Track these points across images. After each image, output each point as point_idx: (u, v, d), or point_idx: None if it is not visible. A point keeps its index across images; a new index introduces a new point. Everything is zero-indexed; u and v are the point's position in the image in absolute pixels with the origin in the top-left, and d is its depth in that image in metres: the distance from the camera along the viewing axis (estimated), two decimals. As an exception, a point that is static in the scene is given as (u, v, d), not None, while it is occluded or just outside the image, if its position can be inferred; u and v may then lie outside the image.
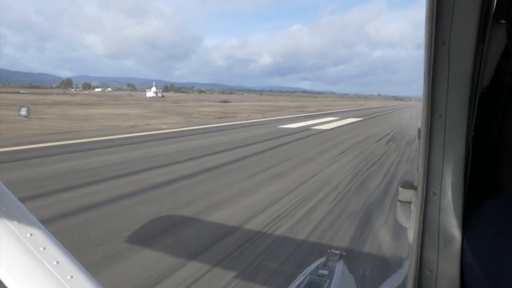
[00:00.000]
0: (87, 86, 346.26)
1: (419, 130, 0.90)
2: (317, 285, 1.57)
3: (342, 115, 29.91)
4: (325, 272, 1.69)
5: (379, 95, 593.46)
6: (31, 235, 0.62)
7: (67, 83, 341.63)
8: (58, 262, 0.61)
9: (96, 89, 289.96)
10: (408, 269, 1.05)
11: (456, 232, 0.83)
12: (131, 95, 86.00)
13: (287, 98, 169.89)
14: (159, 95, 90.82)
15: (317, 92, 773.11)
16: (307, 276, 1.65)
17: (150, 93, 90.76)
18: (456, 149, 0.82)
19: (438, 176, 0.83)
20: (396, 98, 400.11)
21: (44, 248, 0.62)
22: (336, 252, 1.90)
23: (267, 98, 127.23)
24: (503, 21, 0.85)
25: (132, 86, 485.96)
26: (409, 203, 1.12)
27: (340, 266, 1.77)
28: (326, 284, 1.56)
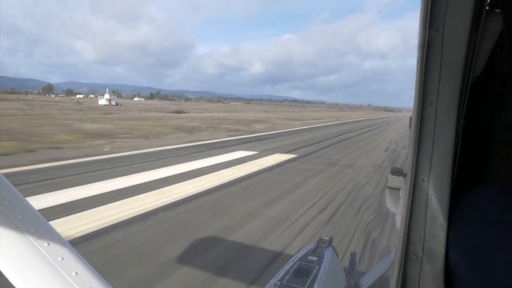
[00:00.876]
0: (70, 92, 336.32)
1: (411, 118, 0.90)
2: (306, 271, 1.60)
3: (280, 142, 18.58)
4: (314, 258, 1.73)
5: (369, 105, 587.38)
6: (35, 230, 0.60)
7: (48, 89, 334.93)
8: (63, 259, 0.60)
9: (78, 95, 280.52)
10: (395, 254, 1.06)
11: (442, 219, 0.83)
12: (79, 103, 73.67)
13: (270, 108, 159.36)
14: (113, 102, 78.86)
15: (307, 102, 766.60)
16: (296, 262, 1.69)
17: (102, 101, 78.94)
18: (446, 137, 0.81)
19: (427, 163, 0.83)
20: (386, 109, 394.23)
21: (48, 244, 0.60)
22: (326, 239, 1.96)
23: (245, 108, 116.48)
24: (497, 10, 0.85)
25: (117, 93, 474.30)
26: (398, 189, 1.14)
27: (329, 253, 1.82)
28: (315, 270, 1.60)
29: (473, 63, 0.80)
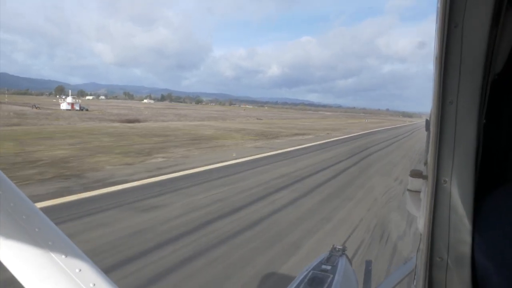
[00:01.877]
0: (81, 94, 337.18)
1: (427, 120, 0.88)
2: (320, 280, 1.59)
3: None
4: (328, 267, 1.71)
5: (387, 110, 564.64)
6: (53, 242, 0.62)
7: (59, 90, 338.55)
8: (80, 270, 0.62)
9: (87, 97, 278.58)
10: (418, 257, 1.04)
11: (467, 220, 0.81)
12: (37, 108, 62.21)
13: (279, 113, 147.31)
14: (76, 107, 66.62)
15: (324, 105, 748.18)
16: (310, 271, 1.67)
17: (64, 105, 66.54)
18: (468, 136, 0.79)
19: (448, 164, 0.81)
20: (404, 114, 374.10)
21: (66, 256, 0.62)
22: (339, 247, 1.93)
23: (243, 113, 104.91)
24: None
25: (128, 95, 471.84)
26: (418, 192, 1.13)
27: (343, 261, 1.79)
28: (329, 279, 1.59)
29: (493, 60, 0.77)
